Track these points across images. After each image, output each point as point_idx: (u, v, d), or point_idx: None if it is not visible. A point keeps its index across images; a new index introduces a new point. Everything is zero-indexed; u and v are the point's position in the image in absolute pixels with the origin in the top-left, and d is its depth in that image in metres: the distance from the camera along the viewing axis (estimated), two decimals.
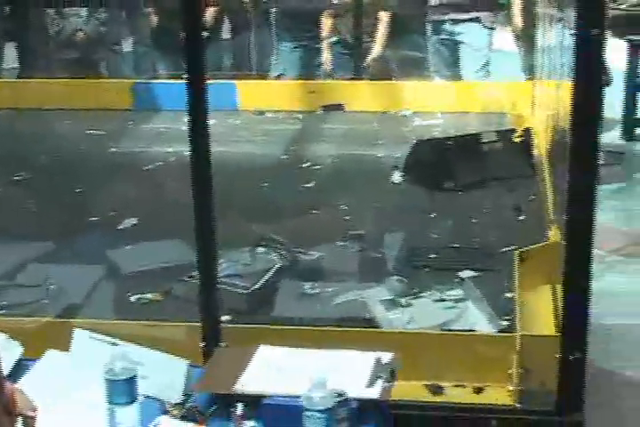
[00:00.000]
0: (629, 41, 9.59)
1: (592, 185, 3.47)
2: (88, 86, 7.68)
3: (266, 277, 4.54)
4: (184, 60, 3.65)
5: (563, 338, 3.64)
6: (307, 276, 4.67)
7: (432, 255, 4.91)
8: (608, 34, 8.90)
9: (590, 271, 3.55)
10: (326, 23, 8.82)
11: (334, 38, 8.78)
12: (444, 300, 4.44)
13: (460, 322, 4.27)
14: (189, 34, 3.60)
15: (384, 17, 8.68)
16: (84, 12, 9.07)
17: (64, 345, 3.76)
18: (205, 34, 3.79)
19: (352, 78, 8.33)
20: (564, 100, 3.60)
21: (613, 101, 9.18)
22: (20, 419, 2.50)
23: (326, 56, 8.81)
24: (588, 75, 3.31)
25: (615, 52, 9.37)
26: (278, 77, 8.92)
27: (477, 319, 4.27)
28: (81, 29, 9.00)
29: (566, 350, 3.62)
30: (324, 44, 8.83)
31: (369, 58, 8.62)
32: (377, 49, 8.68)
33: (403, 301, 4.42)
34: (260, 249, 4.88)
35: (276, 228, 5.17)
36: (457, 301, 4.42)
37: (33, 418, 2.64)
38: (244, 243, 4.89)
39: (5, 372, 3.18)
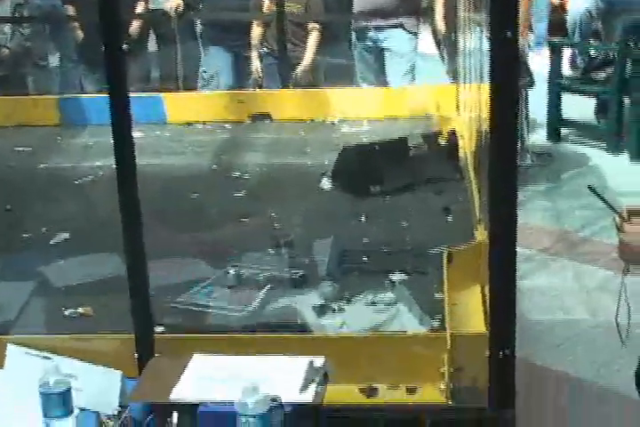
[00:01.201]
0: (550, 42, 9.70)
1: (512, 185, 3.51)
2: (14, 103, 7.64)
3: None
4: (106, 74, 3.67)
5: (491, 336, 3.69)
6: (240, 284, 4.69)
7: (363, 259, 4.94)
8: (530, 36, 9.04)
9: (515, 270, 3.59)
10: (256, 32, 8.86)
11: (264, 49, 8.82)
12: (375, 303, 4.47)
13: (393, 325, 4.31)
14: (109, 47, 3.60)
15: (313, 27, 8.73)
16: (7, 28, 9.05)
17: None
18: (126, 46, 3.81)
19: (280, 87, 8.37)
20: (485, 102, 3.64)
21: (539, 103, 9.28)
22: None
23: (256, 65, 8.85)
24: (504, 76, 3.36)
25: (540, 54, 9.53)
26: (208, 88, 8.95)
27: (409, 321, 4.31)
28: (5, 46, 8.97)
29: (495, 347, 3.66)
30: (254, 54, 8.87)
31: (299, 68, 8.66)
32: (307, 58, 8.73)
33: (334, 306, 4.45)
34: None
35: (207, 237, 5.20)
36: (388, 304, 4.45)
37: None
38: (175, 253, 4.90)
39: None
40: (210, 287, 4.65)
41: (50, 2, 9.37)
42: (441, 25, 8.86)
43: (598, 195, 3.64)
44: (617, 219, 3.53)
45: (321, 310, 4.40)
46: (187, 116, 7.30)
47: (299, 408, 3.36)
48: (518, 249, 3.60)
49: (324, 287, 4.61)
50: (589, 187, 3.72)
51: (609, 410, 5.08)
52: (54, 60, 9.77)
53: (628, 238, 3.46)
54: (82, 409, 3.48)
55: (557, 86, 9.59)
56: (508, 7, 3.31)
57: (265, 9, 8.75)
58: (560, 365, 5.61)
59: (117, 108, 3.63)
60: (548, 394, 5.21)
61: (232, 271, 4.75)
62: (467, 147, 5.97)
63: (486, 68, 3.51)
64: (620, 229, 3.50)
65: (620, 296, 3.56)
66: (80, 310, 4.52)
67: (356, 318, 4.35)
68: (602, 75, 9.76)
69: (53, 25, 9.62)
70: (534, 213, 7.72)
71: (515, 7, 3.33)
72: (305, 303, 4.43)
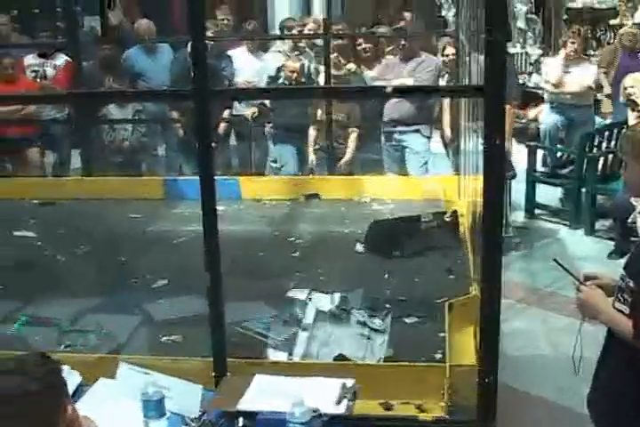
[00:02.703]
0: (528, 145, 9.72)
1: (499, 252, 3.49)
2: (132, 182, 7.68)
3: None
4: (198, 161, 3.69)
5: (480, 367, 3.64)
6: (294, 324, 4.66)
7: (386, 306, 4.89)
8: (514, 141, 9.01)
9: (499, 317, 3.56)
10: (312, 134, 8.90)
11: (317, 146, 8.84)
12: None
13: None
14: (202, 143, 3.63)
15: (352, 131, 8.77)
16: (129, 126, 9.13)
17: (112, 374, 3.76)
18: (214, 143, 3.83)
19: (327, 174, 8.39)
20: (479, 190, 3.62)
21: (519, 190, 9.25)
22: None
23: (312, 158, 8.87)
24: (493, 171, 3.35)
25: (520, 154, 9.51)
26: (275, 173, 8.97)
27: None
28: (127, 139, 9.05)
29: (483, 375, 3.62)
30: (310, 149, 8.89)
31: (342, 161, 8.69)
32: (348, 153, 8.75)
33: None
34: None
35: (271, 286, 5.18)
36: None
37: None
38: (247, 298, 4.90)
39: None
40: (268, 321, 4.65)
41: (160, 109, 9.43)
42: (447, 131, 8.88)
43: (561, 265, 3.60)
44: (576, 282, 3.50)
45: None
46: (256, 194, 7.29)
47: (334, 418, 3.33)
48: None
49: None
50: (555, 260, 3.68)
51: (565, 423, 5.03)
52: (162, 150, 9.83)
53: (584, 297, 3.43)
54: (172, 413, 3.46)
55: (533, 178, 9.57)
56: (497, 122, 3.31)
57: (318, 117, 8.77)
58: (531, 388, 5.53)
59: (206, 187, 3.65)
60: (524, 411, 5.13)
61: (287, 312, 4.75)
62: (465, 223, 5.93)
63: (481, 165, 3.49)
64: (578, 289, 3.47)
65: (576, 337, 3.53)
66: (173, 337, 4.50)
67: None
68: (565, 171, 9.74)
69: (162, 125, 9.68)
70: (514, 272, 7.66)
71: (502, 122, 3.33)
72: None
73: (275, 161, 9.20)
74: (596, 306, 3.38)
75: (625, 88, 8.57)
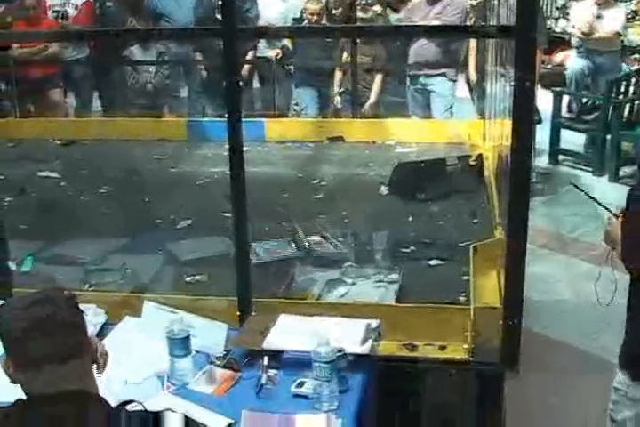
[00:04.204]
0: (553, 91, 9.64)
1: (526, 196, 3.49)
2: (155, 123, 7.66)
3: None
4: (225, 102, 3.68)
5: (504, 309, 3.65)
6: (314, 263, 4.68)
7: (410, 248, 4.91)
8: (539, 86, 8.95)
9: (524, 260, 3.56)
10: (337, 76, 8.85)
11: (342, 88, 8.80)
12: (381, 281, 4.44)
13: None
14: (229, 83, 3.61)
15: (378, 74, 8.72)
16: (152, 68, 9.10)
17: (137, 313, 3.79)
18: (241, 84, 3.81)
19: (351, 117, 8.35)
20: (506, 134, 3.60)
21: (543, 135, 9.20)
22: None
23: (336, 100, 8.83)
24: (523, 115, 3.33)
25: (544, 99, 9.43)
26: (297, 116, 8.93)
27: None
28: (150, 82, 9.02)
29: (507, 317, 3.63)
30: (335, 92, 8.85)
31: (367, 103, 8.64)
32: (372, 96, 8.71)
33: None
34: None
35: (295, 227, 5.18)
36: (390, 282, 4.42)
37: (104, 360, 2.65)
38: (271, 236, 4.97)
39: (94, 332, 3.22)
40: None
41: (183, 50, 9.37)
42: (473, 75, 8.81)
43: (581, 190, 3.65)
44: (609, 214, 3.55)
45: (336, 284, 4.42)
46: (281, 136, 7.26)
47: (358, 358, 3.36)
48: None
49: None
50: (573, 184, 3.72)
51: (586, 367, 5.05)
52: (184, 92, 9.80)
53: (610, 228, 3.47)
54: (197, 351, 3.50)
55: (557, 124, 9.52)
56: (529, 64, 3.28)
57: (343, 59, 8.71)
58: (553, 333, 5.55)
59: (233, 129, 3.64)
60: (545, 355, 5.16)
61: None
62: (490, 167, 5.91)
63: (508, 108, 3.47)
64: (609, 221, 3.51)
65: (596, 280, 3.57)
66: (197, 277, 4.53)
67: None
68: (590, 117, 9.68)
69: (185, 66, 9.63)
70: (537, 218, 7.64)
71: (533, 64, 3.30)
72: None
73: (297, 104, 9.17)
74: (617, 237, 3.43)
75: None
